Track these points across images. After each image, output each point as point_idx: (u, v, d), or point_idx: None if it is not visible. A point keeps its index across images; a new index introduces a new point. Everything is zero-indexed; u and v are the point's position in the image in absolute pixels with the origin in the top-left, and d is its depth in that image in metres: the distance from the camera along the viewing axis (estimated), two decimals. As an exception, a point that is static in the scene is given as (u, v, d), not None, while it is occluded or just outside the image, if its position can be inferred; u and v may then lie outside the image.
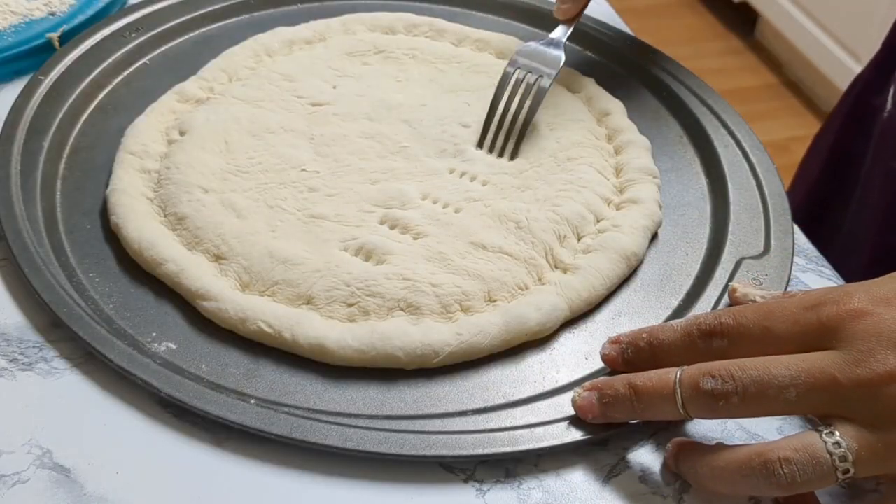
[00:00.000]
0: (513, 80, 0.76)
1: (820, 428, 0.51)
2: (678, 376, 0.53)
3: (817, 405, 0.51)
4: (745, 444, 0.53)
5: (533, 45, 0.78)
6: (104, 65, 0.79)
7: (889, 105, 0.90)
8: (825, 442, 0.50)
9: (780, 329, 0.53)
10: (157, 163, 0.71)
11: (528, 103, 0.75)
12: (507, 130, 0.74)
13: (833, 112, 1.04)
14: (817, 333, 0.52)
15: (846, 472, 0.49)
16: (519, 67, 0.76)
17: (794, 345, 0.53)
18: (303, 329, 0.60)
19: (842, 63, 2.32)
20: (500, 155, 0.74)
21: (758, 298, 0.61)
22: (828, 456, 0.49)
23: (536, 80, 0.76)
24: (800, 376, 0.51)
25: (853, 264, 0.85)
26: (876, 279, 0.55)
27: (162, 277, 0.63)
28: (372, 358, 0.59)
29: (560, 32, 0.80)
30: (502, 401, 0.58)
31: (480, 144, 0.74)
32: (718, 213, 0.72)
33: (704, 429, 0.58)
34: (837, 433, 0.50)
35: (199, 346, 0.60)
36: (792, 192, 0.91)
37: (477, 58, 0.83)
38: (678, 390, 0.53)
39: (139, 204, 0.67)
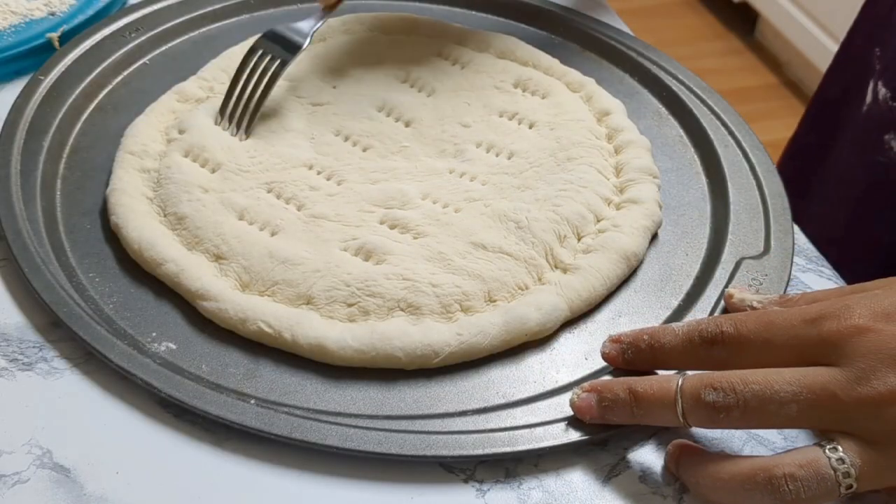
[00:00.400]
0: (252, 63, 0.76)
1: (823, 443, 0.51)
2: (679, 385, 0.53)
3: (818, 421, 0.51)
4: (749, 457, 0.53)
5: (282, 28, 0.78)
6: (104, 65, 0.79)
7: (868, 99, 0.90)
8: (829, 458, 0.50)
9: (781, 341, 0.53)
10: (157, 162, 0.71)
11: (262, 84, 0.76)
12: (244, 108, 0.75)
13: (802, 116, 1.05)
14: (818, 349, 0.52)
15: (849, 487, 0.50)
16: (263, 50, 0.76)
17: (794, 358, 0.53)
18: (303, 329, 0.60)
19: (842, 63, 2.31)
20: (236, 131, 0.74)
21: (755, 303, 0.61)
22: (832, 472, 0.50)
23: (276, 63, 0.76)
24: (801, 392, 0.50)
25: (829, 258, 0.86)
26: (876, 291, 0.54)
27: (162, 277, 0.63)
28: (372, 358, 0.59)
29: (308, 25, 0.79)
30: (502, 401, 0.58)
31: (221, 115, 0.75)
32: (718, 213, 0.72)
33: (706, 429, 0.58)
34: (840, 449, 0.50)
35: (199, 346, 0.60)
36: None
37: (477, 58, 0.83)
38: (679, 399, 0.53)
39: (139, 204, 0.67)
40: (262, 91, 0.75)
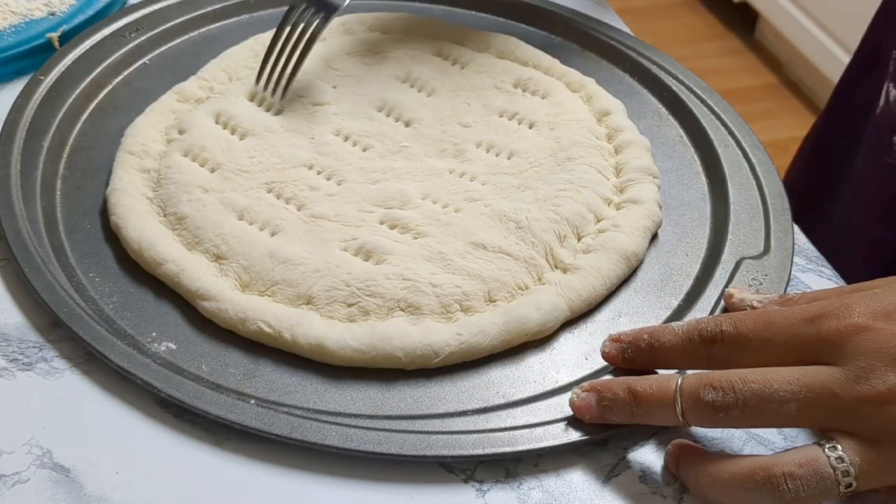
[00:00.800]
0: (293, 20, 0.77)
1: (822, 442, 0.51)
2: (679, 384, 0.53)
3: (817, 420, 0.51)
4: (748, 456, 0.53)
5: None
6: (104, 65, 0.79)
7: (882, 101, 0.90)
8: (828, 457, 0.50)
9: (780, 341, 0.53)
10: (157, 162, 0.71)
11: (302, 43, 0.76)
12: (282, 69, 0.76)
13: (819, 115, 1.05)
14: (817, 347, 0.52)
15: (849, 486, 0.50)
16: (304, 7, 0.77)
17: (793, 357, 0.53)
18: (303, 329, 0.60)
19: (842, 63, 2.30)
20: (273, 93, 0.75)
21: (755, 303, 0.61)
22: (831, 471, 0.50)
23: (316, 21, 0.77)
24: (800, 391, 0.51)
25: (848, 261, 0.86)
26: (875, 290, 0.54)
27: (162, 277, 0.63)
28: (372, 358, 0.59)
29: None
30: (502, 401, 0.58)
31: (258, 81, 0.76)
32: (718, 213, 0.72)
33: (705, 429, 0.58)
34: (840, 448, 0.50)
35: (199, 346, 0.60)
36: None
37: (477, 58, 0.83)
38: (678, 399, 0.53)
39: (139, 204, 0.67)
40: (301, 52, 0.76)
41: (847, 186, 0.96)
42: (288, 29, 0.76)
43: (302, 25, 0.76)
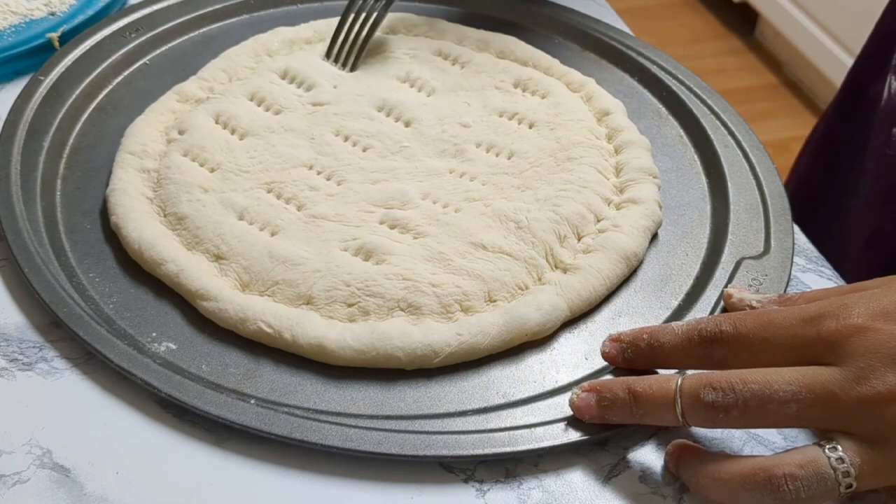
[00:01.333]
0: (357, 6, 0.83)
1: (822, 442, 0.51)
2: (678, 385, 0.53)
3: (817, 420, 0.51)
4: (749, 456, 0.53)
5: None
6: (104, 65, 0.79)
7: (885, 94, 0.90)
8: (829, 457, 0.50)
9: (779, 341, 0.53)
10: (157, 163, 0.71)
11: (371, 20, 0.83)
12: (351, 45, 0.82)
13: (828, 107, 1.05)
14: (817, 348, 0.52)
15: (849, 486, 0.50)
16: None
17: (793, 357, 0.53)
18: (303, 329, 0.60)
19: (842, 63, 2.32)
20: (343, 66, 0.81)
21: (754, 303, 0.61)
22: (832, 471, 0.50)
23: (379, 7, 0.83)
24: (800, 392, 0.51)
25: (852, 254, 0.85)
26: (874, 290, 0.54)
27: (162, 277, 0.63)
28: (372, 358, 0.59)
29: None
30: (502, 401, 0.58)
31: (328, 55, 0.81)
32: (718, 213, 0.72)
33: (705, 429, 0.58)
34: (840, 448, 0.50)
35: (199, 346, 0.60)
36: (786, 186, 0.92)
37: (477, 58, 0.83)
38: (678, 399, 0.53)
39: (139, 204, 0.67)
40: (369, 29, 0.82)
41: (861, 181, 0.96)
42: (353, 15, 0.82)
43: (365, 13, 0.83)
